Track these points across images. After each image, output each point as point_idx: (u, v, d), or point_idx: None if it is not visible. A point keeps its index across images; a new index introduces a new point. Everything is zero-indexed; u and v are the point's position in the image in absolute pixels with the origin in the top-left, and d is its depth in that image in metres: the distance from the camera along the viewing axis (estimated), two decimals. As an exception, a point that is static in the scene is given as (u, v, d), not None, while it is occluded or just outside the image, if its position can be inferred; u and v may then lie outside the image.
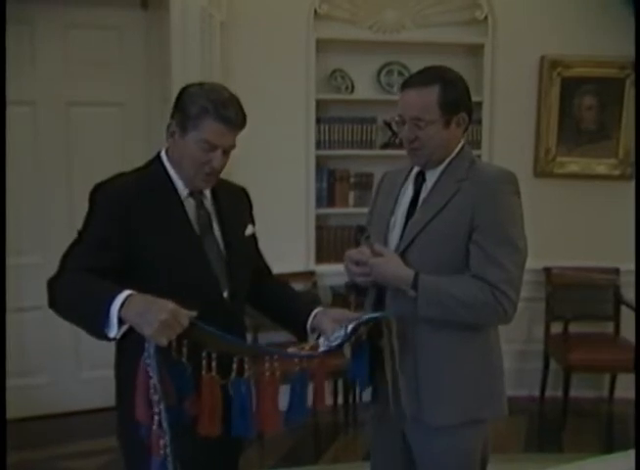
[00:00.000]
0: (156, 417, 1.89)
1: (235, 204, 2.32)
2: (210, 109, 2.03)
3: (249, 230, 2.33)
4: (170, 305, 1.79)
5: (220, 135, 2.06)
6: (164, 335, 1.79)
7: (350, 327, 2.09)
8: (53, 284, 2.01)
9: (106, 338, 1.88)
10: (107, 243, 2.01)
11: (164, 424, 1.88)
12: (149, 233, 2.04)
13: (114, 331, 1.84)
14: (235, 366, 1.96)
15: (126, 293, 1.84)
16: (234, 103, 2.09)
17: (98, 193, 2.08)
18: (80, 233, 2.08)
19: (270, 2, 4.54)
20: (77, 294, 1.95)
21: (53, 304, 2.01)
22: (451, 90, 2.20)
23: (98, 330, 1.86)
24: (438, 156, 2.25)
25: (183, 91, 2.12)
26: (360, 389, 2.41)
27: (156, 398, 1.87)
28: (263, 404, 2.01)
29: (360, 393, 2.45)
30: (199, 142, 2.05)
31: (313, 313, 2.27)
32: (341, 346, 2.11)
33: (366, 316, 2.16)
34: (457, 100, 2.22)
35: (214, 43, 4.27)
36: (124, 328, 1.84)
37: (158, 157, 2.19)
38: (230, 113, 2.06)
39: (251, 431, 2.01)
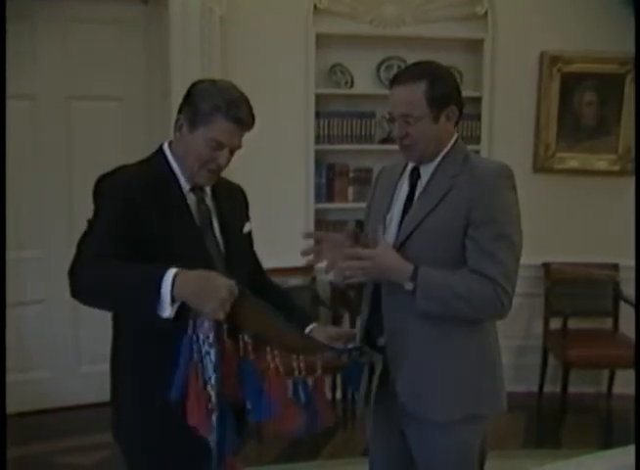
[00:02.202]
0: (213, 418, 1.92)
1: (233, 202, 2.32)
2: (223, 107, 2.04)
3: (246, 228, 2.34)
4: (224, 280, 1.86)
5: (229, 134, 2.07)
6: (223, 310, 1.84)
7: (350, 346, 2.17)
8: (75, 273, 1.95)
9: (155, 317, 1.85)
10: (118, 232, 1.99)
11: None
12: (152, 225, 2.03)
13: (167, 311, 1.83)
14: (241, 344, 1.97)
15: (173, 271, 1.84)
16: (245, 103, 2.10)
17: (102, 184, 2.07)
18: (90, 223, 2.05)
19: (270, -4, 4.55)
20: (112, 278, 1.91)
21: (77, 293, 1.95)
22: (439, 85, 2.19)
23: (149, 312, 1.84)
24: (431, 151, 2.24)
25: (194, 87, 2.12)
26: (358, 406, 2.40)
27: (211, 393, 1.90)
28: (277, 396, 2.00)
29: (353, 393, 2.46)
30: (207, 140, 2.06)
31: (309, 328, 2.27)
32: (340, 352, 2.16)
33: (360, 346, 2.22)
34: (445, 94, 2.20)
35: (214, 38, 4.27)
36: (177, 306, 1.84)
37: (160, 150, 2.19)
38: (241, 113, 2.07)
39: (269, 413, 1.99)
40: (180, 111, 2.12)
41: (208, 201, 2.21)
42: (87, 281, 1.93)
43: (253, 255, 2.44)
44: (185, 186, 2.15)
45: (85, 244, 2.00)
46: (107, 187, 2.06)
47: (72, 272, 1.96)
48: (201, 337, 1.89)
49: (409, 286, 2.15)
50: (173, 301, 1.83)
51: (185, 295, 1.83)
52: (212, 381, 1.91)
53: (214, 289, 1.83)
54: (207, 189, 2.22)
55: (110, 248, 1.95)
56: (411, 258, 2.18)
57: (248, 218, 2.38)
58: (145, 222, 2.02)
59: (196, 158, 2.08)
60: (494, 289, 2.11)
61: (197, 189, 2.17)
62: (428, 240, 2.19)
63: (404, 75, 2.23)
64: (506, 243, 2.14)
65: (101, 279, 1.92)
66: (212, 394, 1.91)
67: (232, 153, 2.13)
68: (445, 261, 2.17)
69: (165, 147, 2.18)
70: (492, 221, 2.13)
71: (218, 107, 2.03)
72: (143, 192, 2.04)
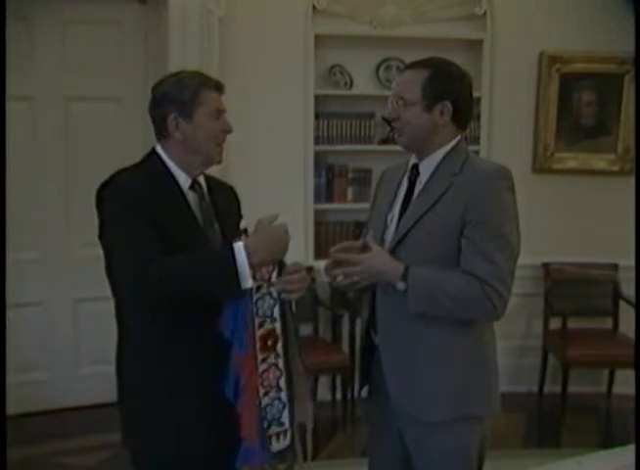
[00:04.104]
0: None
1: (227, 199, 2.36)
2: (203, 82, 2.15)
3: (242, 224, 2.34)
4: (279, 228, 2.08)
5: (219, 101, 2.19)
6: None
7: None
8: (142, 284, 1.95)
9: (239, 293, 1.98)
10: (146, 231, 1.99)
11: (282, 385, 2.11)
12: (158, 225, 2.02)
13: (249, 281, 1.96)
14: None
15: (240, 244, 1.97)
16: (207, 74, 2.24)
17: (106, 191, 2.06)
18: (110, 233, 2.04)
19: (269, -3, 4.55)
20: (187, 276, 1.97)
21: (154, 300, 1.98)
22: (440, 77, 2.21)
23: (234, 289, 1.96)
24: (422, 141, 2.25)
25: (161, 88, 2.16)
26: None
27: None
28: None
29: (360, 389, 2.45)
30: (210, 114, 2.14)
31: None
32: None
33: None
34: (443, 88, 2.21)
35: (213, 38, 4.27)
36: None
37: (153, 152, 2.19)
38: (214, 80, 2.20)
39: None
40: (165, 115, 2.13)
41: (207, 198, 2.23)
42: (161, 286, 1.94)
43: None
44: (184, 185, 2.16)
45: (126, 251, 1.98)
46: (111, 193, 2.05)
47: (136, 285, 1.95)
48: (254, 286, 2.03)
49: (401, 286, 2.15)
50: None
51: (262, 258, 2.00)
52: (274, 313, 2.09)
53: (280, 238, 2.05)
54: (204, 185, 2.24)
55: (153, 250, 1.97)
56: (407, 257, 2.19)
57: (240, 216, 2.39)
58: (154, 219, 2.01)
59: (209, 137, 2.15)
60: (483, 289, 2.10)
61: (196, 186, 2.19)
62: (424, 238, 2.18)
63: (415, 63, 2.28)
64: (501, 243, 2.13)
65: (176, 279, 1.96)
66: (276, 325, 2.09)
67: None
68: (443, 261, 2.17)
69: (159, 149, 2.19)
70: (488, 221, 2.13)
71: (199, 84, 2.14)
72: (146, 193, 2.05)
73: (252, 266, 1.95)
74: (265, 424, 2.09)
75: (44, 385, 4.54)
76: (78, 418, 4.49)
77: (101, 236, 2.08)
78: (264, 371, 2.08)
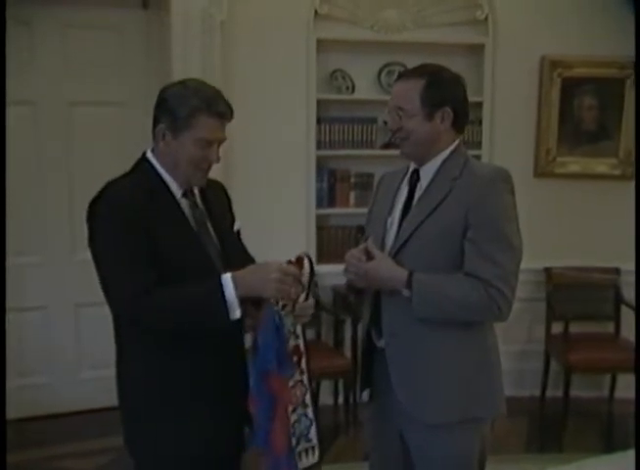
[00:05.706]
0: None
1: (220, 200, 2.33)
2: (203, 106, 2.04)
3: (236, 226, 2.34)
4: (273, 263, 2.00)
5: (215, 130, 2.09)
6: (282, 291, 2.00)
7: None
8: (131, 312, 2.00)
9: (228, 324, 1.98)
10: (139, 253, 1.99)
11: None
12: (154, 236, 2.01)
13: (238, 311, 1.97)
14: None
15: (229, 276, 1.97)
16: (221, 96, 2.11)
17: (98, 206, 2.04)
18: (104, 252, 2.03)
19: (270, 2, 4.54)
20: (176, 310, 1.99)
21: (141, 325, 2.02)
22: (437, 84, 2.22)
23: (223, 320, 1.96)
24: (425, 149, 2.26)
25: (165, 92, 2.11)
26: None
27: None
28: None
29: (361, 392, 2.47)
30: (196, 141, 2.06)
31: None
32: None
33: None
34: (442, 94, 2.22)
35: (215, 43, 4.27)
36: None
37: (144, 159, 2.16)
38: (221, 107, 2.08)
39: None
40: (157, 120, 2.10)
41: (200, 204, 2.21)
42: (152, 320, 1.99)
43: (245, 250, 2.43)
44: (177, 193, 2.14)
45: (118, 279, 2.00)
46: (104, 209, 2.03)
47: (125, 310, 2.01)
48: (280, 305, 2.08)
49: (406, 293, 2.17)
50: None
51: (246, 292, 1.97)
52: (297, 330, 2.16)
53: (267, 274, 1.96)
54: (196, 191, 2.21)
55: (145, 276, 1.98)
56: (409, 262, 2.19)
57: (232, 214, 2.38)
58: (148, 234, 2.00)
59: (188, 162, 2.09)
60: (488, 291, 2.11)
61: (189, 194, 2.17)
62: (426, 243, 2.19)
63: (409, 72, 2.30)
64: (504, 245, 2.14)
65: (167, 315, 1.99)
66: (300, 342, 2.16)
67: (219, 147, 2.14)
68: (443, 265, 2.18)
69: (150, 156, 2.16)
70: (490, 223, 2.14)
71: (198, 107, 2.04)
72: (140, 206, 2.03)
73: (241, 298, 1.96)
74: (294, 441, 2.13)
75: (45, 389, 4.53)
76: (79, 422, 4.49)
77: (90, 245, 2.07)
78: (292, 388, 2.12)
